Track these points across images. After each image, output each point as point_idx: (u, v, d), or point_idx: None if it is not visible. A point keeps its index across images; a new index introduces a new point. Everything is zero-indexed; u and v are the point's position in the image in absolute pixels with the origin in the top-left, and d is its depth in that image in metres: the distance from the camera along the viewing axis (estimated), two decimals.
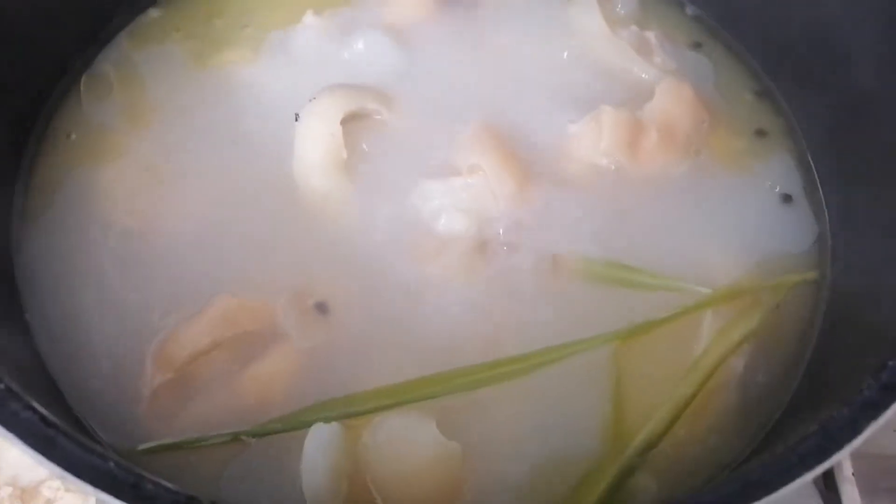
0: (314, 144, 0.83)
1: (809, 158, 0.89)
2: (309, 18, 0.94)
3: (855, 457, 0.85)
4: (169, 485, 0.52)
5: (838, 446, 0.51)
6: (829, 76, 0.87)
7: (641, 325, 0.77)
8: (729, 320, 0.78)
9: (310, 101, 0.84)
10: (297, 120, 0.84)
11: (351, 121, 0.86)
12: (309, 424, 0.68)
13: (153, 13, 0.96)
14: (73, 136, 0.86)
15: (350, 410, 0.70)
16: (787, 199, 0.87)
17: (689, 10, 1.03)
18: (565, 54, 0.95)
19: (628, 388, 0.74)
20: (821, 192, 0.88)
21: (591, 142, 0.86)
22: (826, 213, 0.87)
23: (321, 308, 0.76)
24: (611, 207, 0.84)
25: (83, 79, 0.90)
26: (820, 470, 0.53)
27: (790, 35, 0.91)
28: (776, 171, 0.89)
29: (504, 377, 0.73)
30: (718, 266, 0.82)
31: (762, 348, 0.78)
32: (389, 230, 0.81)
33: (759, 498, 0.52)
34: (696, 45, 0.99)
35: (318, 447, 0.66)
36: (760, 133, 0.92)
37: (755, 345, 0.77)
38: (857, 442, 0.51)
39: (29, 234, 0.79)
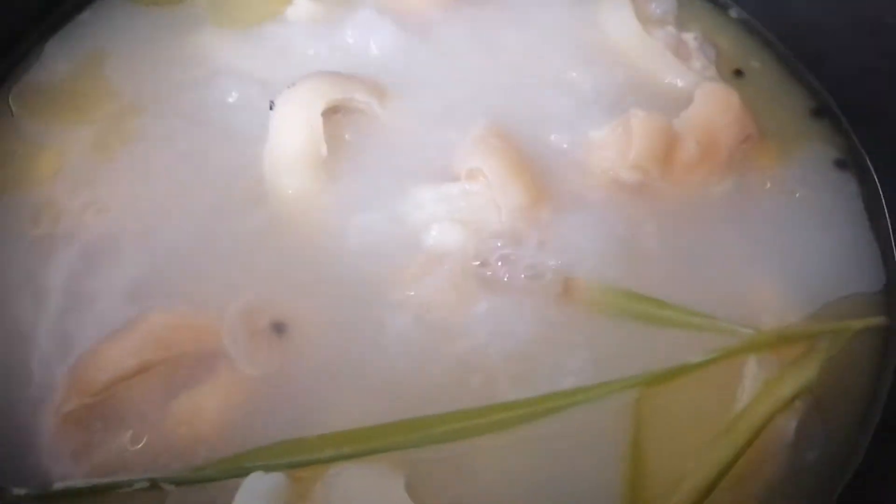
0: (289, 136, 0.70)
1: (878, 186, 0.75)
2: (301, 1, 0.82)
3: None
4: None
5: None
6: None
7: (670, 370, 0.63)
8: (778, 370, 0.63)
9: (288, 87, 0.72)
10: (271, 108, 0.72)
11: (335, 113, 0.74)
12: (246, 473, 0.54)
13: None
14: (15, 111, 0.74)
15: (299, 459, 0.56)
16: (849, 230, 0.73)
17: (734, 12, 0.90)
18: (588, 51, 0.82)
19: (650, 448, 0.60)
20: (888, 219, 0.73)
21: (617, 151, 0.73)
22: (894, 246, 0.72)
23: (278, 328, 0.63)
24: (636, 228, 0.71)
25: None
26: None
27: (857, 49, 0.78)
28: (838, 198, 0.75)
29: (495, 427, 0.59)
30: (765, 304, 0.69)
31: (819, 407, 0.63)
32: (368, 242, 0.68)
33: None
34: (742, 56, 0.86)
35: (254, 502, 0.52)
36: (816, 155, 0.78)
37: (810, 402, 0.63)
38: None
39: None
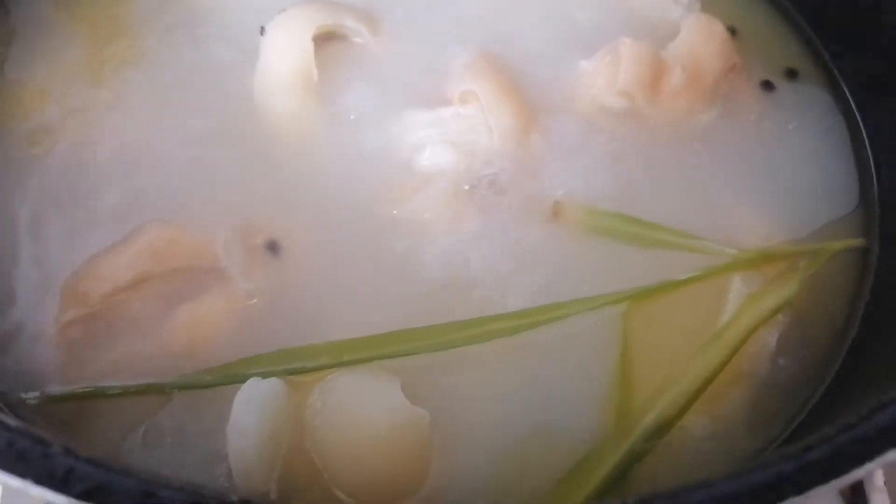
0: (280, 60, 0.71)
1: (854, 109, 0.77)
2: None
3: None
4: (50, 438, 0.39)
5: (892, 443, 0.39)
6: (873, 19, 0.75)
7: (656, 287, 0.65)
8: (761, 286, 0.65)
9: (279, 13, 0.72)
10: (262, 33, 0.72)
11: (326, 41, 0.74)
12: (245, 379, 0.55)
13: None
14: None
15: (297, 366, 0.57)
16: (827, 153, 0.75)
17: None
18: None
19: (638, 359, 0.62)
20: (868, 148, 0.75)
21: (606, 79, 0.73)
22: (874, 173, 0.74)
23: (272, 247, 0.63)
24: (624, 153, 0.72)
25: None
26: (865, 471, 0.41)
27: None
28: (816, 122, 0.76)
29: (487, 336, 0.60)
30: (749, 226, 0.70)
31: (799, 321, 0.65)
32: (361, 162, 0.68)
33: (786, 497, 0.40)
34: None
35: (252, 407, 0.53)
36: (792, 76, 0.79)
37: (791, 316, 0.65)
38: None
39: None
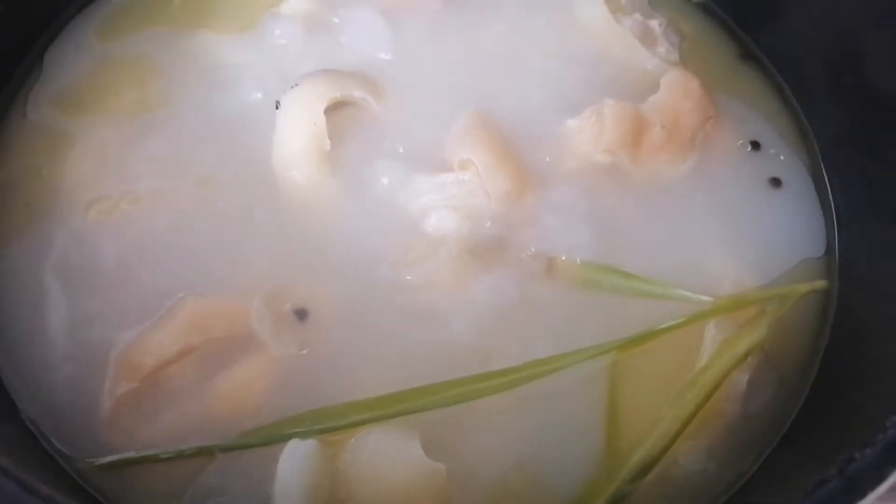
0: (296, 134, 0.77)
1: (820, 160, 0.84)
2: None
3: None
4: None
5: (861, 494, 0.47)
6: (843, 75, 0.82)
7: (639, 336, 0.72)
8: (734, 332, 0.73)
9: (292, 87, 0.79)
10: (277, 108, 0.78)
11: (335, 108, 0.80)
12: (284, 439, 0.63)
13: None
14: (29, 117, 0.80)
15: (328, 425, 0.65)
16: (795, 201, 0.83)
17: None
18: (564, 43, 0.89)
19: (624, 404, 0.70)
20: (831, 196, 0.83)
21: (592, 137, 0.81)
22: (835, 219, 0.82)
23: (300, 314, 0.71)
24: (609, 207, 0.80)
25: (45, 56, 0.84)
26: None
27: (804, 33, 0.86)
28: (783, 172, 0.84)
29: (493, 389, 0.68)
30: (721, 273, 0.78)
31: (768, 361, 0.73)
32: (375, 229, 0.75)
33: None
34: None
35: (295, 467, 0.61)
36: (763, 134, 0.87)
37: (761, 358, 0.73)
38: (881, 489, 0.46)
39: None
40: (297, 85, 0.79)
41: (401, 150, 0.80)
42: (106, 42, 0.85)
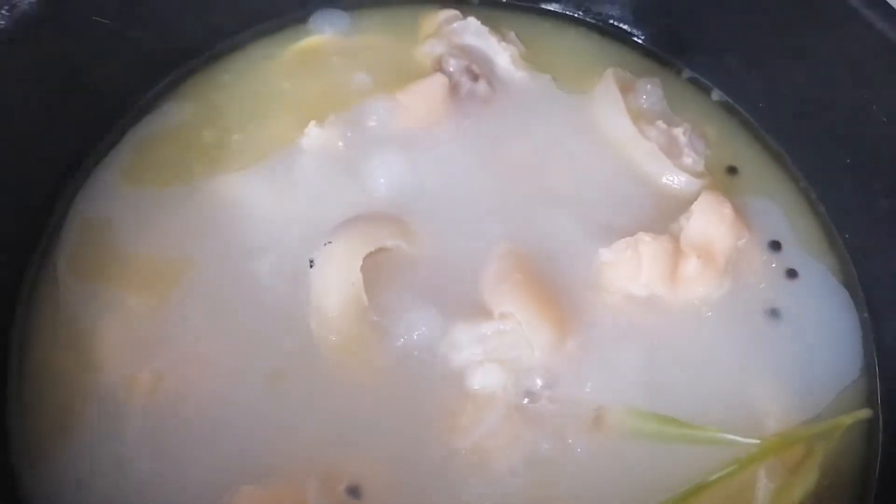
0: (334, 295, 0.76)
1: (856, 277, 0.84)
2: (313, 131, 0.86)
3: None
4: None
5: None
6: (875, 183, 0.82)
7: (693, 488, 0.73)
8: (784, 478, 0.73)
9: (325, 245, 0.78)
10: (311, 266, 0.77)
11: (367, 257, 0.79)
12: None
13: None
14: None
15: None
16: (831, 318, 0.83)
17: (716, 95, 0.97)
18: (590, 162, 0.89)
19: None
20: (867, 309, 0.83)
21: (628, 271, 0.80)
22: (873, 335, 0.82)
23: (354, 492, 0.70)
24: (651, 345, 0.79)
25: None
26: None
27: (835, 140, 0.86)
28: (819, 292, 0.84)
29: None
30: (764, 408, 0.78)
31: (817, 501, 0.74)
32: (420, 391, 0.75)
33: None
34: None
35: None
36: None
37: (812, 500, 0.74)
38: None
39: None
40: (329, 242, 0.78)
41: (437, 294, 0.79)
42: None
